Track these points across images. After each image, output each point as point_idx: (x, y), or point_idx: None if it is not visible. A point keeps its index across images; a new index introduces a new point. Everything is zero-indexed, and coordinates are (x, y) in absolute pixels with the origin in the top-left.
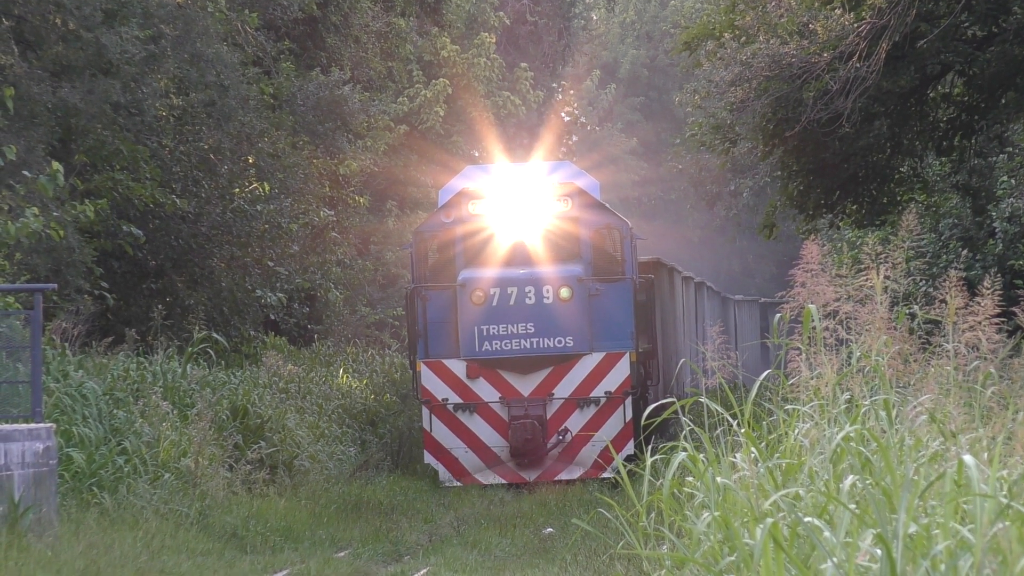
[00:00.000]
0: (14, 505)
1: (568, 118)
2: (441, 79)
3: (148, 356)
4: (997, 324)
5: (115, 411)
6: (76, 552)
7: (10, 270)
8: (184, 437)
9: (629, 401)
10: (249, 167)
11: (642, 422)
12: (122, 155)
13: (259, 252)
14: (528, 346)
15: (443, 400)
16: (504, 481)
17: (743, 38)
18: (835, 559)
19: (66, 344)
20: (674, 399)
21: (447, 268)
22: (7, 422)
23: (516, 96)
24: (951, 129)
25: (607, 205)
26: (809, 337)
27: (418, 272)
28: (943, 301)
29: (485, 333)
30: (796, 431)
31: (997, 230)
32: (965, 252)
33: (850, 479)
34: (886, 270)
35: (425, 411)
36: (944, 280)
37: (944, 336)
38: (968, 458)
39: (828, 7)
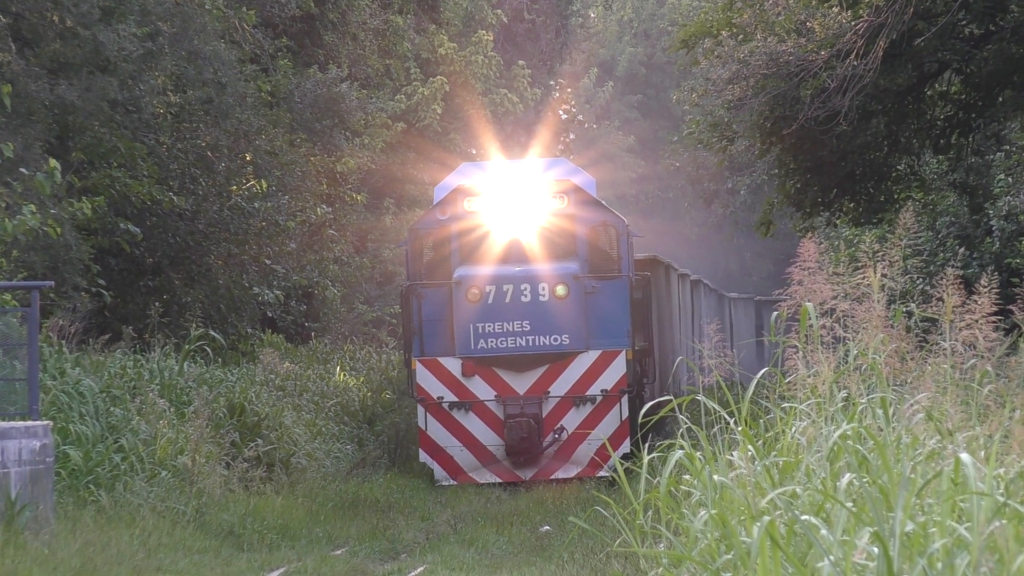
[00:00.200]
0: (11, 503)
1: (565, 116)
2: (438, 77)
3: (145, 353)
4: (994, 322)
5: (112, 409)
6: (73, 550)
7: (7, 267)
8: (181, 435)
9: (625, 399)
10: (246, 164)
11: (639, 420)
12: (119, 152)
13: (256, 249)
14: (524, 344)
15: (438, 398)
16: (500, 480)
17: (740, 36)
18: (832, 557)
19: (63, 341)
20: (671, 397)
21: (443, 265)
22: (4, 419)
23: (513, 94)
24: (948, 127)
25: (603, 202)
26: (806, 335)
27: (413, 269)
28: (940, 299)
29: (481, 331)
30: (793, 429)
31: (994, 228)
32: (962, 250)
33: (847, 477)
34: (883, 268)
35: (420, 409)
36: (941, 278)
37: (941, 334)
38: (965, 456)
39: (825, 5)
